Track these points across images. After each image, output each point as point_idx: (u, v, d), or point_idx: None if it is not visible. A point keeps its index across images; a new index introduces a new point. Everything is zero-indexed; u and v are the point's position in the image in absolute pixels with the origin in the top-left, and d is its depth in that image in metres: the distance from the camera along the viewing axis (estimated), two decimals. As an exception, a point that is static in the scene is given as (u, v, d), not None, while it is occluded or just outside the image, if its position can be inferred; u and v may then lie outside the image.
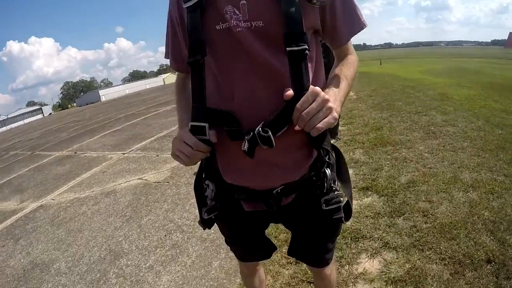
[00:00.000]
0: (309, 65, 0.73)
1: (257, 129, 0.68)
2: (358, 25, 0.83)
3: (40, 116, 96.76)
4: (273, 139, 0.68)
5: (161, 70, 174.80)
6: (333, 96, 0.73)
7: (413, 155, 3.29)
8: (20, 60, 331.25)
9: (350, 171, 3.02)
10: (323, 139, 0.79)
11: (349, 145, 3.95)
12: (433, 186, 2.56)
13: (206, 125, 0.74)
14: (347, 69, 0.84)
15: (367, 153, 3.52)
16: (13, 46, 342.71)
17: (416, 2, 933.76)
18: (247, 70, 0.74)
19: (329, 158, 0.81)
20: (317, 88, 0.67)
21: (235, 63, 0.75)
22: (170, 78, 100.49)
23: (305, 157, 0.79)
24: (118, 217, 3.07)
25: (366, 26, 0.83)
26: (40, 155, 8.75)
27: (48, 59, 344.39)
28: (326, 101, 0.66)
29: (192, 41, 0.76)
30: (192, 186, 0.94)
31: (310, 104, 0.66)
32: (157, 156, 4.97)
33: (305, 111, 0.65)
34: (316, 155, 0.79)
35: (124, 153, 5.78)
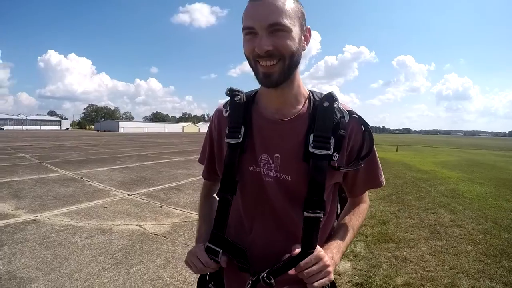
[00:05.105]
0: (321, 225, 0.83)
1: (262, 274, 0.80)
2: (375, 183, 0.97)
3: (57, 127, 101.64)
4: (274, 284, 0.79)
5: (183, 118, 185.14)
6: (336, 249, 0.87)
7: (414, 256, 3.35)
8: (55, 71, 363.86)
9: (348, 264, 3.13)
10: None
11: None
12: (428, 291, 2.62)
13: (220, 251, 0.87)
14: (356, 219, 0.98)
15: (368, 248, 3.58)
16: (53, 55, 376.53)
17: (439, 91, 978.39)
18: (267, 215, 0.88)
19: None
20: (321, 253, 0.79)
21: (258, 205, 0.89)
22: (190, 128, 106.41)
23: None
24: (108, 258, 3.17)
25: (383, 185, 0.97)
26: (47, 168, 9.16)
27: (81, 78, 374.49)
28: (326, 266, 0.78)
29: (226, 177, 0.89)
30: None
31: (311, 266, 0.77)
32: (161, 207, 5.16)
33: (306, 270, 0.77)
34: None
35: (129, 194, 6.03)
